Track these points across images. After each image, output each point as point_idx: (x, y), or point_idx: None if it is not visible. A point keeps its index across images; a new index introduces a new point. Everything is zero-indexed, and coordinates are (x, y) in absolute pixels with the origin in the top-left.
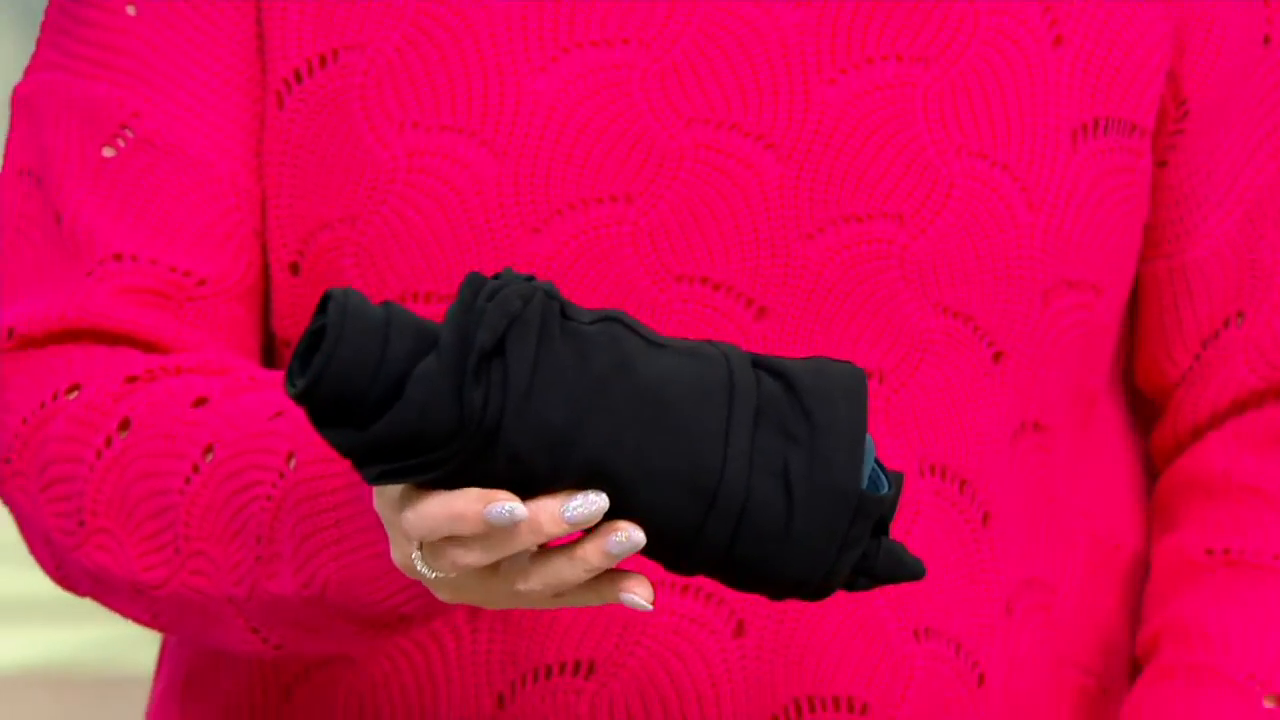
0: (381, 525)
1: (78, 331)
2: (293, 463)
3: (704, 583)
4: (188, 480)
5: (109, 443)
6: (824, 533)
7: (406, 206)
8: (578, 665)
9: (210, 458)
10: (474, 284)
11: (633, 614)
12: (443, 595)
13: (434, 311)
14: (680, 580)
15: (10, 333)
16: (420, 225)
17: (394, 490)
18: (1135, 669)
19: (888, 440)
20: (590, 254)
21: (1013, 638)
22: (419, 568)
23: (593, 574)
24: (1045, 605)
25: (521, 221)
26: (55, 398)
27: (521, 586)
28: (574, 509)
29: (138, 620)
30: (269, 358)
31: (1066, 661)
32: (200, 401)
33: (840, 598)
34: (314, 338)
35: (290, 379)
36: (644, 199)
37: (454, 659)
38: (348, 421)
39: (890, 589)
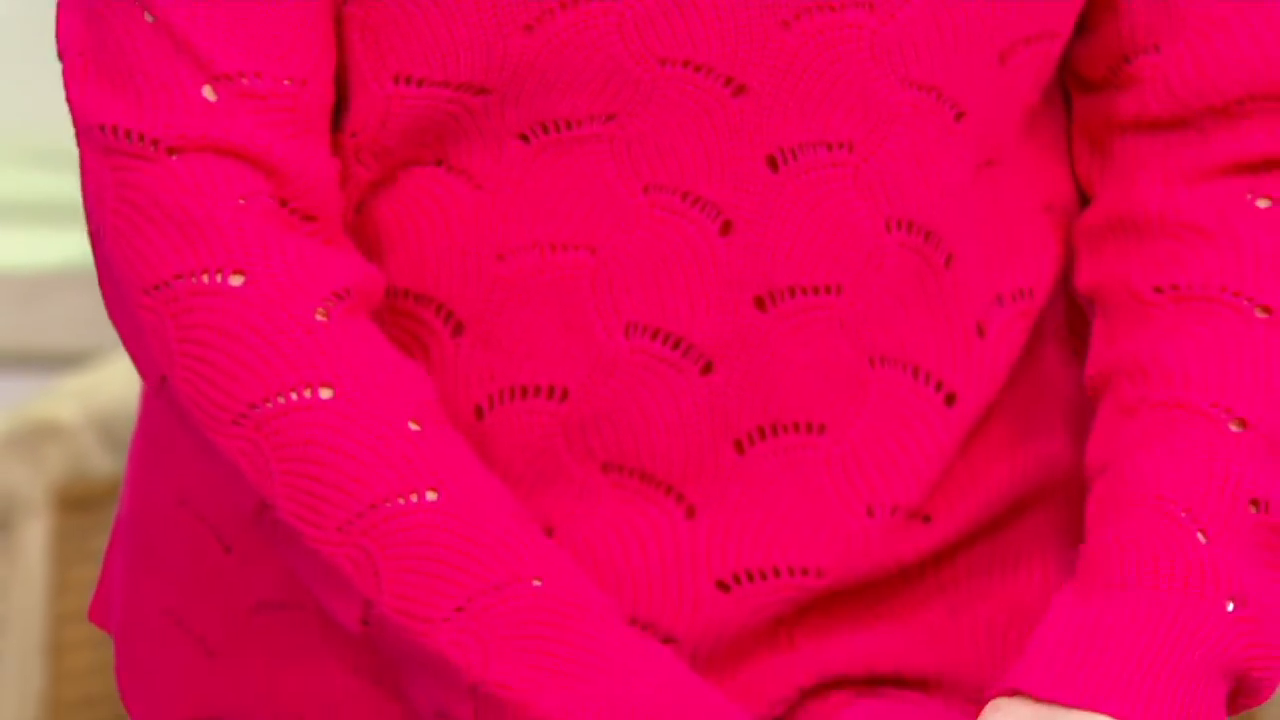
0: (611, 686)
1: (215, 149)
2: (537, 582)
3: (674, 328)
4: (394, 501)
5: (303, 390)
6: None
7: (406, 1)
8: (552, 390)
9: (431, 496)
10: None
11: (604, 350)
12: None
13: (427, 95)
14: (652, 326)
15: (155, 143)
16: (418, 18)
17: None
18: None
19: (858, 202)
20: (577, 43)
21: (989, 356)
22: None
23: None
24: (1026, 313)
25: (513, 19)
26: (216, 273)
27: None
28: None
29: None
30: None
31: (1049, 339)
32: (417, 422)
33: (800, 334)
34: None
35: None
36: None
37: (438, 367)
38: None
39: (849, 320)
